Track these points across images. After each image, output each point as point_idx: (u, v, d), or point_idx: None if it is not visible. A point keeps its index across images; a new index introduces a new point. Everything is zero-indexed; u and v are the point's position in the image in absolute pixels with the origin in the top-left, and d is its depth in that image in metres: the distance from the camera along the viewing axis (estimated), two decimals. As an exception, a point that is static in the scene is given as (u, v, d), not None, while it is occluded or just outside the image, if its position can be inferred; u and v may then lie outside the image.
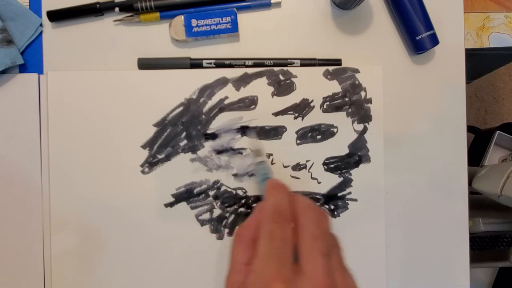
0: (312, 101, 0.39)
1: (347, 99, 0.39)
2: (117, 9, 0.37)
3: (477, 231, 0.78)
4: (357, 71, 0.39)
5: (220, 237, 0.38)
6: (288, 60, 0.39)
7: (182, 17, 0.38)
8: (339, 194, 0.39)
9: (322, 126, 0.39)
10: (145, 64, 0.38)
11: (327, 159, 0.39)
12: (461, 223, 0.41)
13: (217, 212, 0.38)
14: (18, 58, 0.37)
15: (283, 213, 0.27)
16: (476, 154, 1.00)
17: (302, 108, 0.38)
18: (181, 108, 0.38)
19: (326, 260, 0.24)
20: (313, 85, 0.38)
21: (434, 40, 0.39)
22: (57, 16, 0.37)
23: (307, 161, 0.39)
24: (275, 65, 0.38)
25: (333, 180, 0.39)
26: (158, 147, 0.38)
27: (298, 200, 0.28)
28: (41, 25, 0.38)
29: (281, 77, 0.38)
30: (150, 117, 0.38)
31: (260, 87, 0.38)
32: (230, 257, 0.27)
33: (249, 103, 0.38)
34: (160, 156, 0.38)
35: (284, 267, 0.24)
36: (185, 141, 0.38)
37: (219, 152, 0.38)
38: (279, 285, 0.22)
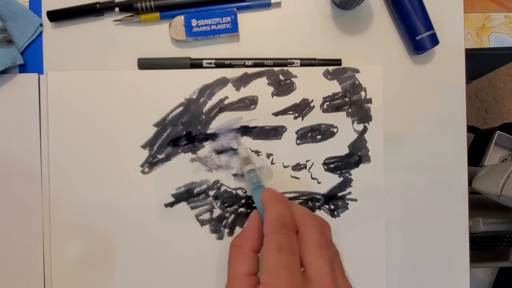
0: (312, 101, 0.39)
1: (347, 99, 0.39)
2: (117, 9, 0.37)
3: (477, 231, 0.78)
4: (357, 71, 0.39)
5: (220, 237, 0.38)
6: (288, 60, 0.39)
7: (182, 17, 0.38)
8: (339, 194, 0.39)
9: (322, 126, 0.39)
10: (145, 64, 0.38)
11: (327, 159, 0.39)
12: (461, 223, 0.41)
13: (217, 212, 0.38)
14: (18, 58, 0.37)
15: (288, 224, 0.27)
16: (476, 154, 1.00)
17: (302, 108, 0.38)
18: (181, 108, 0.38)
19: (331, 268, 0.25)
20: (313, 85, 0.38)
21: (434, 40, 0.39)
22: (57, 16, 0.37)
23: (307, 161, 0.39)
24: (275, 65, 0.38)
25: (333, 180, 0.39)
26: (158, 147, 0.38)
27: (297, 210, 0.28)
28: (41, 25, 0.38)
29: (281, 77, 0.38)
30: (150, 117, 0.38)
31: (260, 87, 0.38)
32: (229, 269, 0.27)
33: (249, 103, 0.38)
34: (160, 156, 0.38)
35: (295, 278, 0.24)
36: (185, 141, 0.38)
37: (219, 152, 0.38)
38: None
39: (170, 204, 0.38)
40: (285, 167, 0.38)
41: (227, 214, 0.38)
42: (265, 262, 0.25)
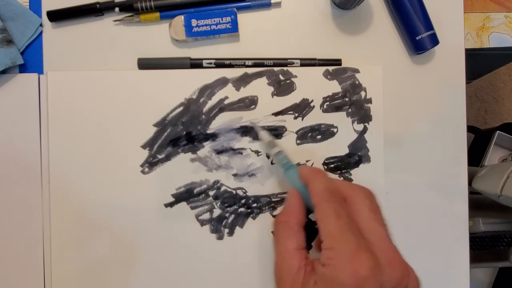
0: (312, 101, 0.39)
1: (347, 99, 0.39)
2: (117, 9, 0.37)
3: (477, 231, 0.78)
4: (357, 71, 0.39)
5: (220, 237, 0.38)
6: (288, 60, 0.39)
7: (182, 17, 0.38)
8: (339, 194, 0.39)
9: (322, 126, 0.39)
10: (145, 64, 0.38)
11: (327, 159, 0.39)
12: (461, 223, 0.41)
13: (217, 212, 0.38)
14: (18, 58, 0.37)
15: (337, 193, 0.27)
16: (476, 154, 1.00)
17: (302, 108, 0.38)
18: (181, 108, 0.38)
19: (386, 230, 0.26)
20: (313, 85, 0.38)
21: (434, 40, 0.39)
22: (57, 16, 0.37)
23: (307, 161, 0.39)
24: (275, 65, 0.38)
25: (333, 180, 0.39)
26: (158, 147, 0.38)
27: (340, 181, 0.29)
28: (41, 25, 0.38)
29: (281, 77, 0.38)
30: (150, 117, 0.38)
31: (260, 87, 0.38)
32: (277, 245, 0.28)
33: (249, 103, 0.38)
34: (160, 156, 0.38)
35: (361, 239, 0.24)
36: (185, 141, 0.38)
37: (219, 152, 0.38)
38: (366, 254, 0.23)
39: (170, 204, 0.38)
40: (285, 167, 0.38)
41: (227, 214, 0.38)
42: (324, 229, 0.25)
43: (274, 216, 0.38)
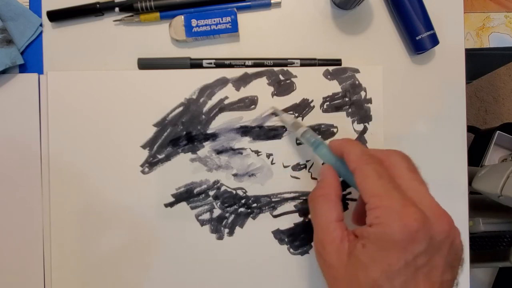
0: (312, 101, 0.39)
1: (347, 99, 0.39)
2: (117, 9, 0.37)
3: (477, 231, 0.78)
4: (357, 71, 0.39)
5: (220, 237, 0.38)
6: (288, 60, 0.39)
7: (182, 17, 0.38)
8: (339, 194, 0.39)
9: (322, 126, 0.39)
10: (145, 64, 0.38)
11: (327, 159, 0.39)
12: (461, 223, 0.41)
13: (217, 212, 0.38)
14: (18, 58, 0.37)
15: (374, 156, 0.27)
16: (476, 154, 1.00)
17: (302, 108, 0.38)
18: (181, 108, 0.38)
19: (427, 188, 0.26)
20: (313, 85, 0.38)
21: (434, 40, 0.39)
22: (57, 16, 0.37)
23: (307, 161, 0.39)
24: (275, 65, 0.38)
25: (333, 180, 0.39)
26: (158, 147, 0.38)
27: (373, 149, 0.29)
28: (41, 25, 0.38)
29: (281, 77, 0.38)
30: (150, 117, 0.38)
31: (260, 87, 0.38)
32: (317, 219, 0.28)
33: (249, 103, 0.38)
34: (160, 156, 0.38)
35: (406, 196, 0.25)
36: (185, 141, 0.38)
37: (219, 152, 0.38)
38: (413, 209, 0.24)
39: (170, 204, 0.38)
40: (285, 167, 0.38)
41: (227, 214, 0.38)
42: (368, 191, 0.25)
43: (275, 216, 0.38)
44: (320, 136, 0.33)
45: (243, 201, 0.38)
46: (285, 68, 0.38)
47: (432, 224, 0.24)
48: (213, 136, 0.38)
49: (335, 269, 0.25)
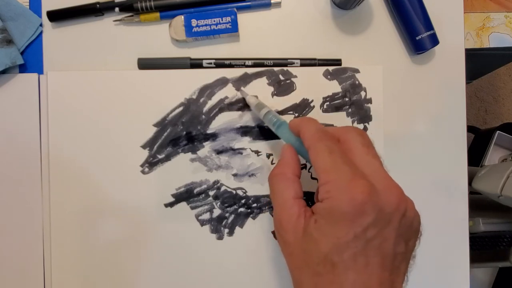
0: (312, 101, 0.39)
1: (347, 99, 0.39)
2: (117, 9, 0.37)
3: (477, 231, 0.78)
4: (357, 71, 0.39)
5: (220, 237, 0.38)
6: (288, 60, 0.39)
7: (182, 17, 0.38)
8: (339, 194, 0.39)
9: (322, 126, 0.39)
10: (145, 64, 0.38)
11: (327, 159, 0.39)
12: (461, 223, 0.41)
13: (217, 212, 0.38)
14: (18, 58, 0.37)
15: (329, 133, 0.27)
16: (476, 154, 1.00)
17: (302, 108, 0.38)
18: (181, 108, 0.38)
19: (381, 162, 0.26)
20: (313, 85, 0.38)
21: (434, 40, 0.39)
22: (57, 16, 0.37)
23: (306, 161, 0.39)
24: (275, 65, 0.38)
25: (333, 180, 0.39)
26: (158, 147, 0.38)
27: (330, 127, 0.29)
28: (41, 25, 0.38)
29: (281, 77, 0.38)
30: (150, 117, 0.38)
31: (260, 87, 0.38)
32: (275, 196, 0.28)
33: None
34: (160, 156, 0.38)
35: (356, 169, 0.24)
36: (185, 141, 0.38)
37: (219, 152, 0.38)
38: (361, 181, 0.23)
39: (170, 204, 0.38)
40: (285, 167, 0.38)
41: (227, 214, 0.38)
42: (319, 167, 0.25)
43: (272, 215, 0.38)
44: (282, 117, 0.33)
45: (243, 201, 0.38)
46: (285, 68, 0.38)
47: (380, 196, 0.24)
48: (213, 136, 0.38)
49: (291, 246, 0.26)
